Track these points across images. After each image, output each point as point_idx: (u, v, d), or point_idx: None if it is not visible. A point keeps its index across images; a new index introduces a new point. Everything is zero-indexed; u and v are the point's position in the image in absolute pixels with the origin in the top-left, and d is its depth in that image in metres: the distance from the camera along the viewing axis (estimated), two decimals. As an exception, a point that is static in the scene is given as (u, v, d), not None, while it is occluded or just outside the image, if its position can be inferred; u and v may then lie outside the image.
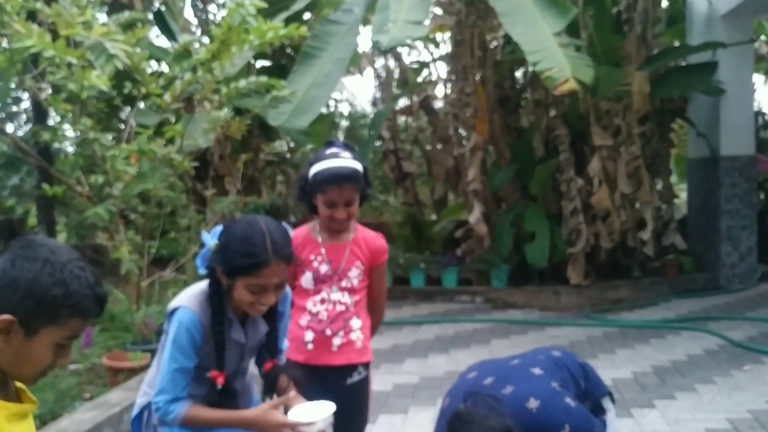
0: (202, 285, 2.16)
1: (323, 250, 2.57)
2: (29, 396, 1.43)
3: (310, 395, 2.55)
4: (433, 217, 10.09)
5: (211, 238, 2.12)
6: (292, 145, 8.83)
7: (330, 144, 2.61)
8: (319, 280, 2.56)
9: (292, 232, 2.18)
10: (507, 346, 6.00)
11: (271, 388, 2.26)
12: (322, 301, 2.55)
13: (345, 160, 2.47)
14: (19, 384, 1.41)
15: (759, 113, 9.52)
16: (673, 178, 10.13)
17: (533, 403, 2.03)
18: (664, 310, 7.33)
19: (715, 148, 8.31)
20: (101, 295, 1.38)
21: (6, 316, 1.27)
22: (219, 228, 2.14)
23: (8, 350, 1.30)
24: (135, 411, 2.29)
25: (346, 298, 2.55)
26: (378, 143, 9.60)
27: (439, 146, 9.55)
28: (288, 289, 2.24)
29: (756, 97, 9.39)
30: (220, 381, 2.13)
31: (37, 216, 8.81)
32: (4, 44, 4.61)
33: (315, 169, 2.48)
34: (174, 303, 2.15)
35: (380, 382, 4.86)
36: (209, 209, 5.67)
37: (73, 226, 8.46)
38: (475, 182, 7.85)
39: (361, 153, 8.79)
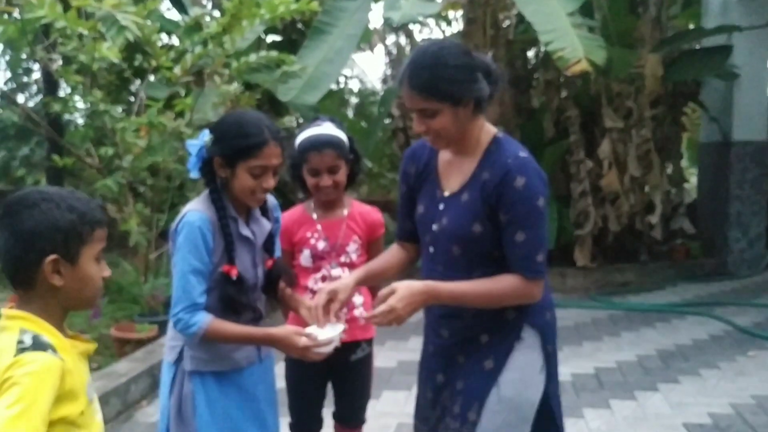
0: (202, 195, 2.18)
1: (319, 227, 2.58)
2: (83, 338, 1.56)
3: (314, 371, 2.60)
4: (441, 195, 10.07)
5: (198, 142, 2.14)
6: (301, 120, 8.82)
7: (316, 119, 2.66)
8: (318, 257, 2.57)
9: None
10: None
11: (272, 286, 2.26)
12: (323, 279, 2.57)
13: (325, 128, 2.52)
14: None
15: (773, 98, 9.42)
16: (684, 162, 10.07)
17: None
18: (670, 294, 7.32)
19: (727, 132, 8.24)
20: (99, 202, 1.53)
21: (51, 257, 1.39)
22: (203, 133, 2.16)
23: (67, 284, 1.43)
24: (165, 367, 2.24)
25: (347, 275, 2.57)
26: (387, 121, 9.56)
27: (449, 125, 9.50)
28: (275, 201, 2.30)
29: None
30: (233, 273, 2.10)
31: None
32: (16, 14, 4.62)
33: (298, 140, 2.54)
34: (181, 212, 2.16)
35: (385, 358, 4.90)
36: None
37: (82, 198, 8.52)
38: (484, 162, 7.83)
39: (370, 130, 8.84)
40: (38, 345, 1.37)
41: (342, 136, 2.53)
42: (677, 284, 7.73)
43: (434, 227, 2.02)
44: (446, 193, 2.01)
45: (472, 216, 1.94)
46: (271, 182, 2.12)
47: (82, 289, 1.47)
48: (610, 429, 3.80)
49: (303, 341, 2.07)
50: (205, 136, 2.13)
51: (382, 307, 1.90)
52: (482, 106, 1.96)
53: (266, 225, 2.25)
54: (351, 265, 2.57)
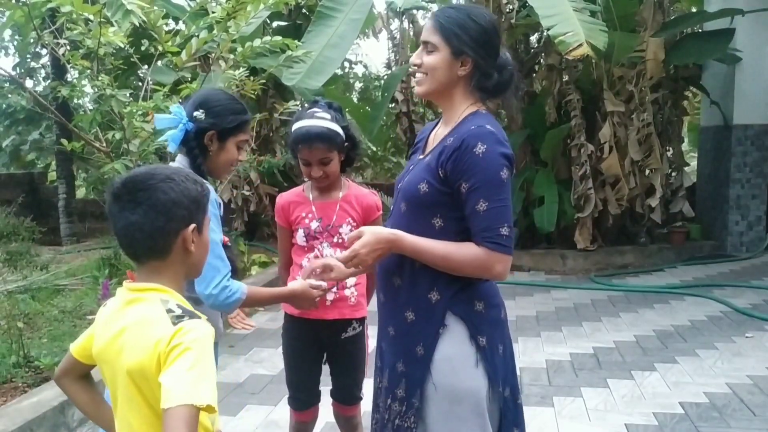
0: (176, 164, 2.23)
1: (314, 207, 2.66)
2: None
3: (308, 346, 2.70)
4: (444, 179, 10.14)
5: (176, 117, 2.20)
6: (306, 105, 8.87)
7: (314, 103, 2.66)
8: (311, 237, 2.65)
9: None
10: (513, 307, 6.12)
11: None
12: (316, 258, 2.63)
13: (318, 120, 2.52)
14: None
15: (775, 82, 9.44)
16: (685, 146, 10.11)
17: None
18: (669, 276, 7.41)
19: (728, 116, 8.28)
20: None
21: (192, 225, 1.51)
22: (176, 108, 2.23)
23: (196, 251, 1.54)
24: None
25: (338, 254, 2.64)
26: (391, 105, 9.61)
27: (451, 109, 9.54)
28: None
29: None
30: (226, 241, 2.22)
31: (56, 170, 8.95)
32: (23, -1, 4.66)
33: (292, 128, 2.57)
34: None
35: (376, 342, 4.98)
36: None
37: (91, 181, 8.59)
38: (486, 146, 7.89)
39: (373, 114, 8.90)
40: (189, 313, 1.44)
41: (335, 127, 2.53)
42: (676, 266, 7.83)
43: (399, 185, 2.06)
44: (421, 157, 2.05)
45: (423, 175, 1.93)
46: (245, 155, 2.32)
47: (203, 255, 1.59)
48: (607, 408, 3.89)
49: (317, 292, 2.28)
50: (182, 110, 2.21)
51: (346, 252, 1.94)
52: (480, 82, 1.95)
53: (217, 196, 2.36)
54: (343, 246, 2.63)
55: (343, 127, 2.57)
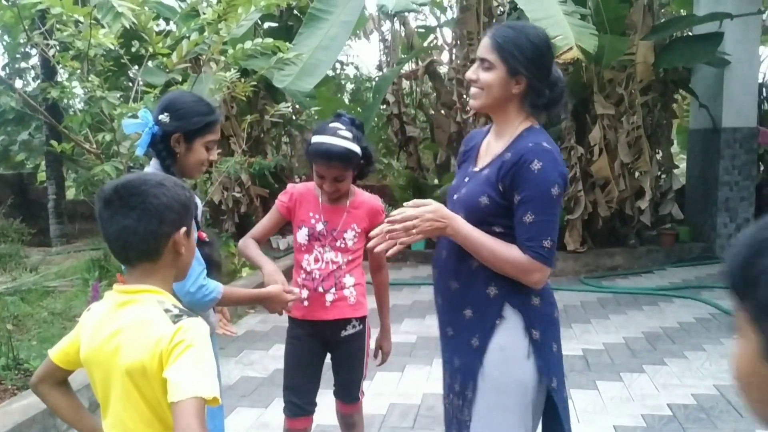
0: (151, 168, 2.28)
1: (322, 210, 2.68)
2: None
3: (311, 348, 2.71)
4: (435, 181, 10.18)
5: (142, 121, 2.23)
6: (297, 106, 8.88)
7: (338, 117, 2.68)
8: (314, 238, 2.68)
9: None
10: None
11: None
12: (316, 260, 2.67)
13: (340, 140, 2.54)
14: None
15: (763, 85, 9.52)
16: (674, 148, 10.17)
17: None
18: (658, 278, 7.46)
19: (716, 119, 8.34)
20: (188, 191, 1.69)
21: (183, 228, 1.56)
22: (143, 113, 2.26)
23: (185, 254, 1.58)
24: None
25: (339, 258, 2.68)
26: (382, 107, 9.62)
27: (442, 111, 9.58)
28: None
29: (761, 69, 9.40)
30: (202, 236, 2.24)
31: (46, 171, 8.91)
32: (12, -1, 4.65)
33: (313, 139, 2.60)
34: None
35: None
36: (214, 169, 5.75)
37: (81, 182, 8.56)
38: (477, 148, 7.91)
39: (365, 116, 8.92)
40: (186, 312, 1.50)
41: (355, 148, 2.56)
42: (665, 268, 7.88)
43: (455, 197, 2.14)
44: (475, 169, 2.13)
45: (483, 188, 2.02)
46: (215, 154, 2.33)
47: (191, 258, 1.63)
48: (596, 409, 3.91)
49: (290, 297, 2.40)
50: (149, 115, 2.25)
51: (412, 211, 1.96)
52: (532, 100, 2.05)
53: (197, 198, 2.39)
54: (345, 250, 2.68)
55: (362, 148, 2.60)
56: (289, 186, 2.82)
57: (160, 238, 1.52)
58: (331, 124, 2.61)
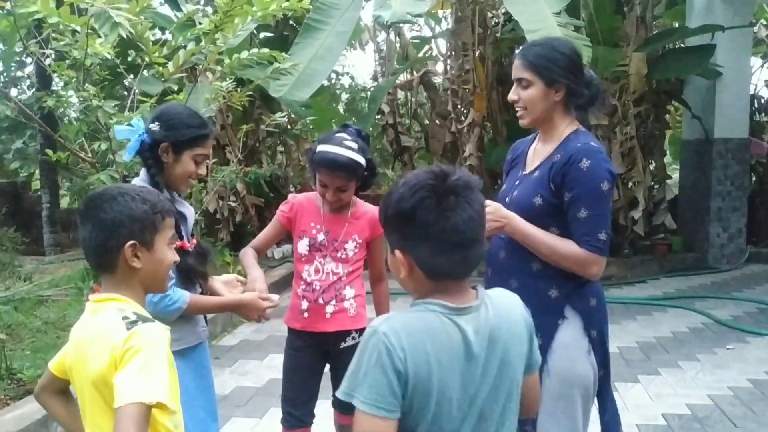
0: (140, 177, 2.30)
1: (323, 220, 2.68)
2: None
3: (310, 359, 2.70)
4: (430, 191, 10.15)
5: (134, 128, 2.25)
6: (292, 116, 8.90)
7: (344, 128, 2.70)
8: (314, 248, 2.68)
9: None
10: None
11: (202, 261, 2.39)
12: (317, 271, 2.67)
13: (345, 150, 2.55)
14: None
15: (755, 96, 9.59)
16: (667, 159, 10.23)
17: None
18: (651, 287, 7.48)
19: (709, 130, 8.39)
20: (167, 195, 1.76)
21: (130, 243, 1.56)
22: (136, 120, 2.28)
23: (144, 267, 1.59)
24: None
25: (339, 269, 2.67)
26: (377, 117, 9.65)
27: (437, 122, 9.60)
28: None
29: (752, 81, 9.46)
30: (186, 246, 2.26)
31: (40, 179, 8.89)
32: (8, 6, 4.65)
33: (318, 148, 2.60)
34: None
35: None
36: (210, 178, 5.76)
37: (75, 191, 8.54)
38: (471, 158, 7.95)
39: (360, 126, 8.95)
40: (143, 318, 1.52)
41: (359, 159, 2.57)
42: (659, 278, 7.90)
43: (507, 199, 2.24)
44: (525, 172, 2.25)
45: (536, 189, 2.14)
46: (204, 169, 2.35)
47: (157, 270, 1.63)
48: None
49: (266, 304, 2.39)
50: (141, 123, 2.27)
51: None
52: (574, 102, 2.19)
53: (190, 208, 2.44)
54: (345, 261, 2.68)
55: (366, 159, 2.61)
56: (290, 196, 2.82)
57: (109, 251, 1.56)
58: (337, 134, 2.62)
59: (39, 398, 1.72)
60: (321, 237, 2.67)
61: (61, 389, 1.70)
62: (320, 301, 2.66)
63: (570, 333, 2.13)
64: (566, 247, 2.09)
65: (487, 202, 2.02)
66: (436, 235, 1.36)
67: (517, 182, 2.26)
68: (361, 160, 2.58)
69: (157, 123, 2.26)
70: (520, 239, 2.12)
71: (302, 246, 2.68)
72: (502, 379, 1.44)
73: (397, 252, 1.42)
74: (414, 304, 1.43)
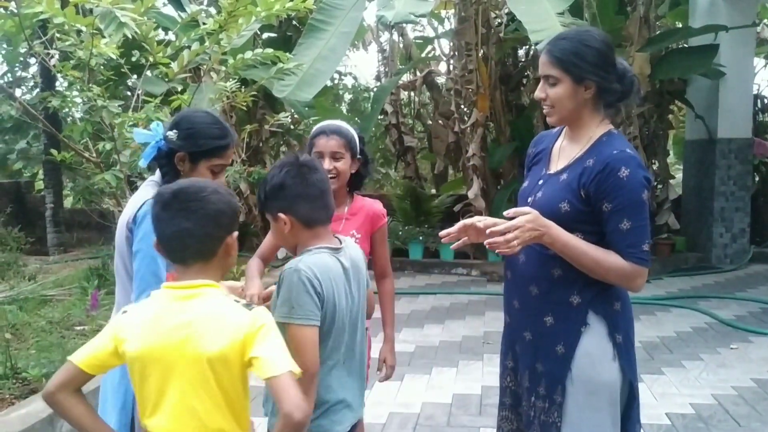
0: (147, 182, 2.26)
1: None
2: None
3: None
4: (433, 191, 10.21)
5: (153, 134, 2.21)
6: (296, 116, 8.91)
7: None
8: None
9: None
10: (501, 318, 6.11)
11: None
12: None
13: (339, 122, 2.67)
14: None
15: (758, 96, 9.59)
16: (671, 159, 10.23)
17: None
18: (655, 287, 7.47)
19: (712, 130, 8.39)
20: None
21: (235, 233, 1.72)
22: (155, 125, 2.23)
23: (233, 255, 1.74)
24: None
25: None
26: (380, 117, 9.66)
27: (440, 122, 9.63)
28: None
29: (756, 81, 9.47)
30: None
31: (44, 179, 8.91)
32: (12, 7, 4.66)
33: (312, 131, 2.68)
34: (135, 203, 2.18)
35: (378, 350, 5.00)
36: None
37: (79, 191, 8.55)
38: (474, 158, 7.95)
39: (363, 126, 8.96)
40: (248, 303, 1.67)
41: (352, 130, 2.64)
42: (662, 278, 7.89)
43: (529, 200, 2.15)
44: (550, 172, 2.15)
45: (564, 194, 2.04)
46: (223, 178, 2.31)
47: (235, 259, 1.77)
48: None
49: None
50: (160, 128, 2.21)
51: (510, 222, 1.97)
52: (605, 99, 2.07)
53: None
54: None
55: (360, 138, 2.66)
56: None
57: (215, 240, 1.68)
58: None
59: (53, 396, 1.64)
60: None
61: (80, 387, 1.66)
62: None
63: (594, 340, 2.05)
64: (612, 260, 1.99)
65: (526, 209, 2.00)
66: (303, 190, 1.93)
67: (541, 182, 2.16)
68: (354, 132, 2.63)
69: (175, 131, 2.18)
70: (559, 250, 2.01)
71: None
72: (360, 296, 2.06)
73: (280, 214, 1.93)
74: (305, 251, 1.93)
